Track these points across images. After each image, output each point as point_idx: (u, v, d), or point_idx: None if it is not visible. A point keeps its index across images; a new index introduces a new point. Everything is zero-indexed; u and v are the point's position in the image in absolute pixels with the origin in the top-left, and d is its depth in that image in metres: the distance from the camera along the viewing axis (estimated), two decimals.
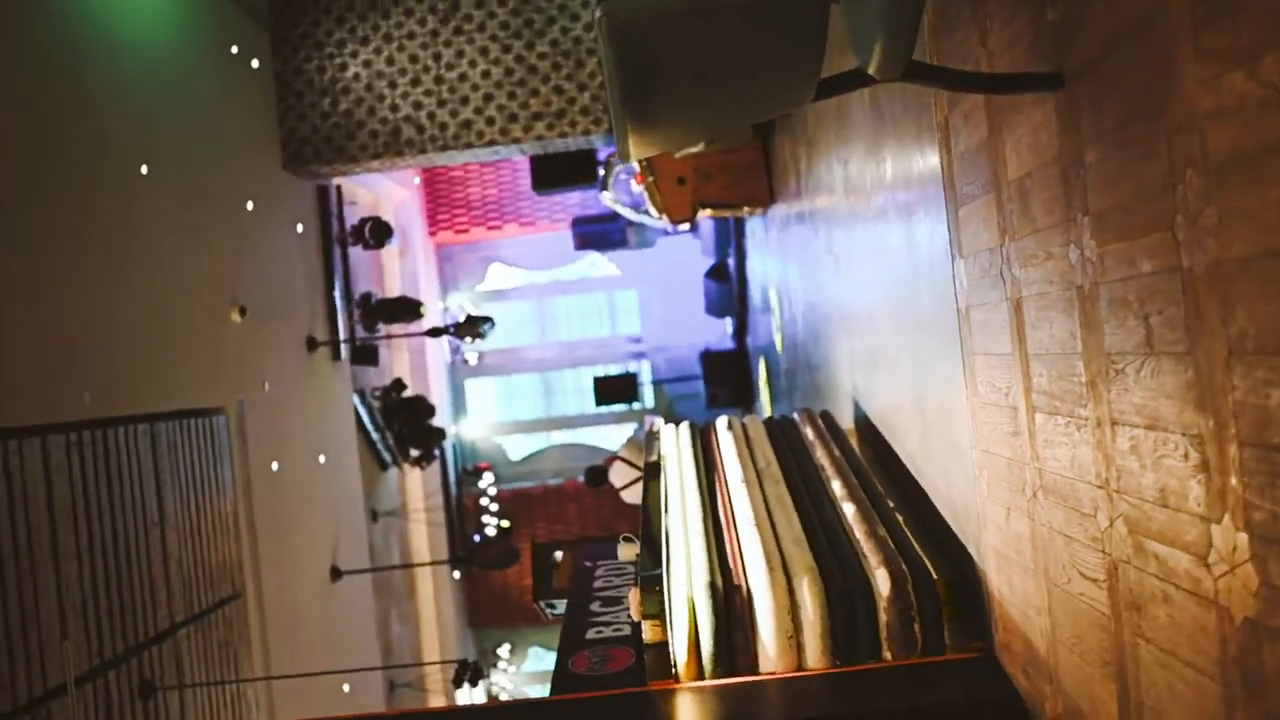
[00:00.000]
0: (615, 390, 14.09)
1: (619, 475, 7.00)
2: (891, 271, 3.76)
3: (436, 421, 12.78)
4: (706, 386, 13.36)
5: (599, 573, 4.00)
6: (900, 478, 3.83)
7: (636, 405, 14.68)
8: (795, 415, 5.02)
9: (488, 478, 14.83)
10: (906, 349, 3.64)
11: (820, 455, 4.19)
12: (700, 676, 2.97)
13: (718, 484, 4.01)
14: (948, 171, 2.82)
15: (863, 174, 4.23)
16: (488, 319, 10.51)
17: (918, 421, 3.57)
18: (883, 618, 2.98)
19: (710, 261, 13.10)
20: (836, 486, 3.77)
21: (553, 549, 5.03)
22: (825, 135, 5.54)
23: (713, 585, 3.03)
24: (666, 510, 3.82)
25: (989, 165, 2.45)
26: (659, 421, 5.39)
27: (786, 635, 2.97)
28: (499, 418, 16.54)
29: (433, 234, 15.56)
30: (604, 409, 14.61)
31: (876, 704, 2.75)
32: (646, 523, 3.80)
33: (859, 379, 4.88)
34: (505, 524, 14.49)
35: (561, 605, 4.33)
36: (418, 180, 15.01)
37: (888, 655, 2.95)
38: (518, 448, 16.23)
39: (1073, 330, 2.02)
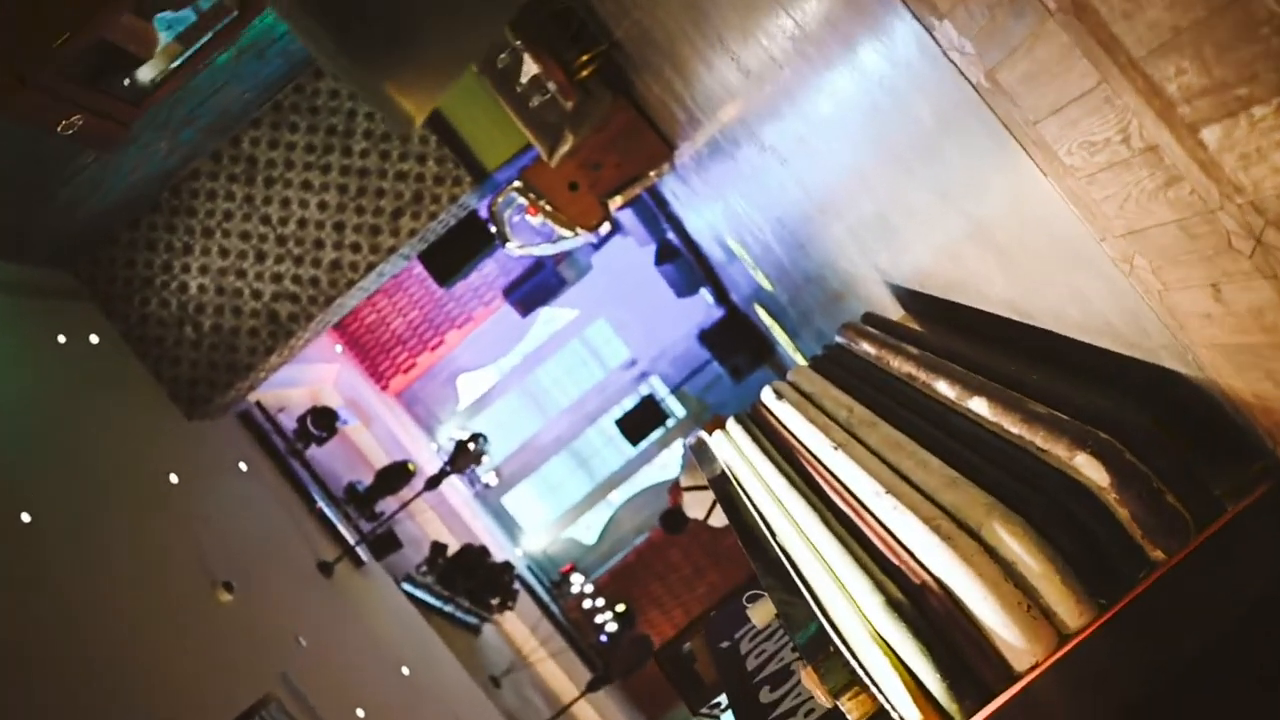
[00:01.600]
0: (641, 422, 13.28)
1: (695, 505, 6.22)
2: (855, 115, 2.97)
3: (497, 558, 11.97)
4: (722, 364, 12.54)
5: (744, 648, 3.18)
6: (1007, 336, 3.02)
7: (671, 422, 13.85)
8: (838, 338, 4.21)
9: (576, 578, 14.01)
10: (926, 185, 2.83)
11: (898, 364, 3.37)
12: None
13: (809, 468, 3.19)
14: None
15: (758, 44, 3.44)
16: (477, 436, 9.72)
17: (990, 257, 2.77)
18: (1121, 512, 2.16)
19: (652, 248, 12.32)
20: (943, 388, 2.95)
21: (678, 646, 4.21)
22: (683, 40, 4.77)
23: (891, 601, 2.23)
24: (771, 531, 3.01)
25: None
26: (700, 433, 4.61)
27: (1020, 608, 2.15)
28: (553, 514, 15.74)
29: (385, 387, 14.79)
30: (643, 445, 13.78)
31: (1205, 626, 1.94)
32: (758, 556, 2.99)
33: (879, 256, 4.08)
34: (620, 608, 13.66)
35: (724, 701, 3.50)
36: (339, 348, 14.25)
37: (1159, 555, 2.13)
38: (587, 531, 15.42)
39: None
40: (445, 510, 13.29)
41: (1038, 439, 2.36)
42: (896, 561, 2.34)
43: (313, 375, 12.59)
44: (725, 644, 3.27)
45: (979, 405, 2.69)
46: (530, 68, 5.92)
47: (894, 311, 4.34)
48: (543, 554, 15.16)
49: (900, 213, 3.33)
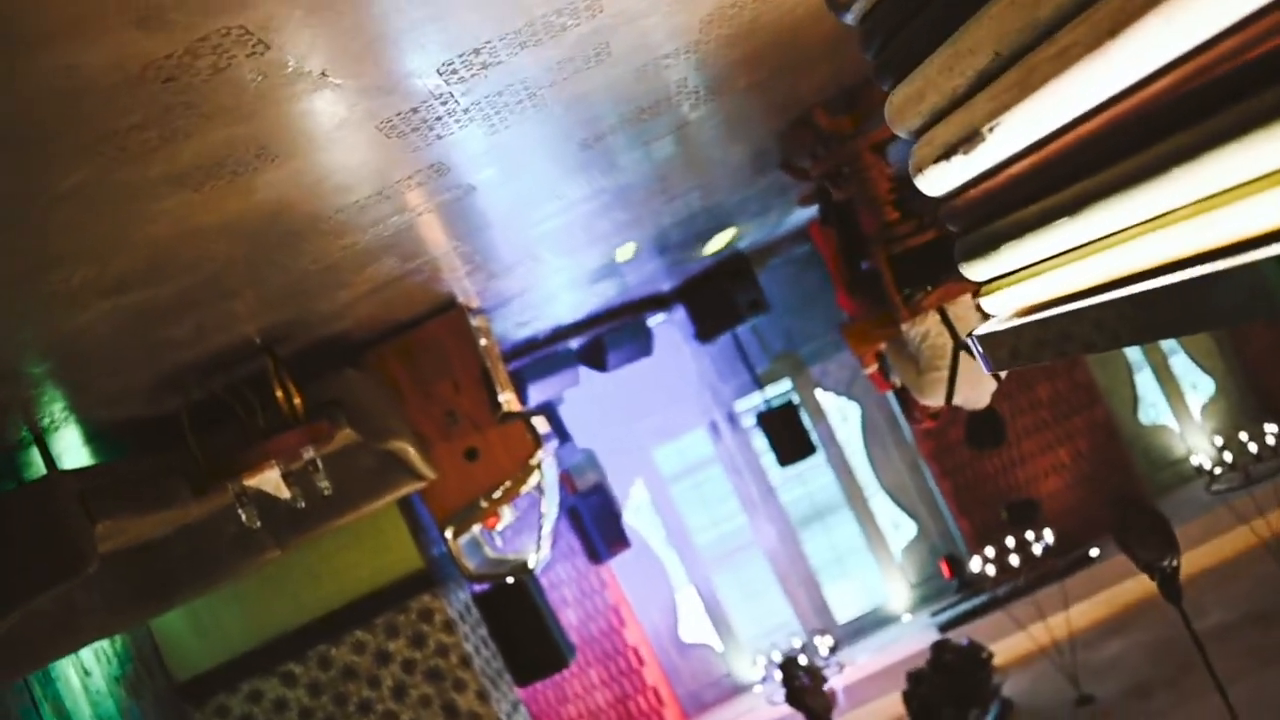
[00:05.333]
0: (786, 437, 11.62)
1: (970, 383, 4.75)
2: None
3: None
4: (741, 319, 10.94)
5: None
6: None
7: (813, 448, 11.81)
8: None
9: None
10: None
11: None
12: None
13: None
14: None
15: None
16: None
17: None
18: None
19: (577, 368, 10.77)
20: None
21: None
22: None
23: None
24: None
25: None
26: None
27: None
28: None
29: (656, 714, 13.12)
30: (802, 459, 11.88)
31: None
32: None
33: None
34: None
35: None
36: None
37: None
38: (854, 596, 13.59)
39: None
40: None
41: None
42: None
43: None
44: None
45: None
46: (268, 479, 4.46)
47: None
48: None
49: None
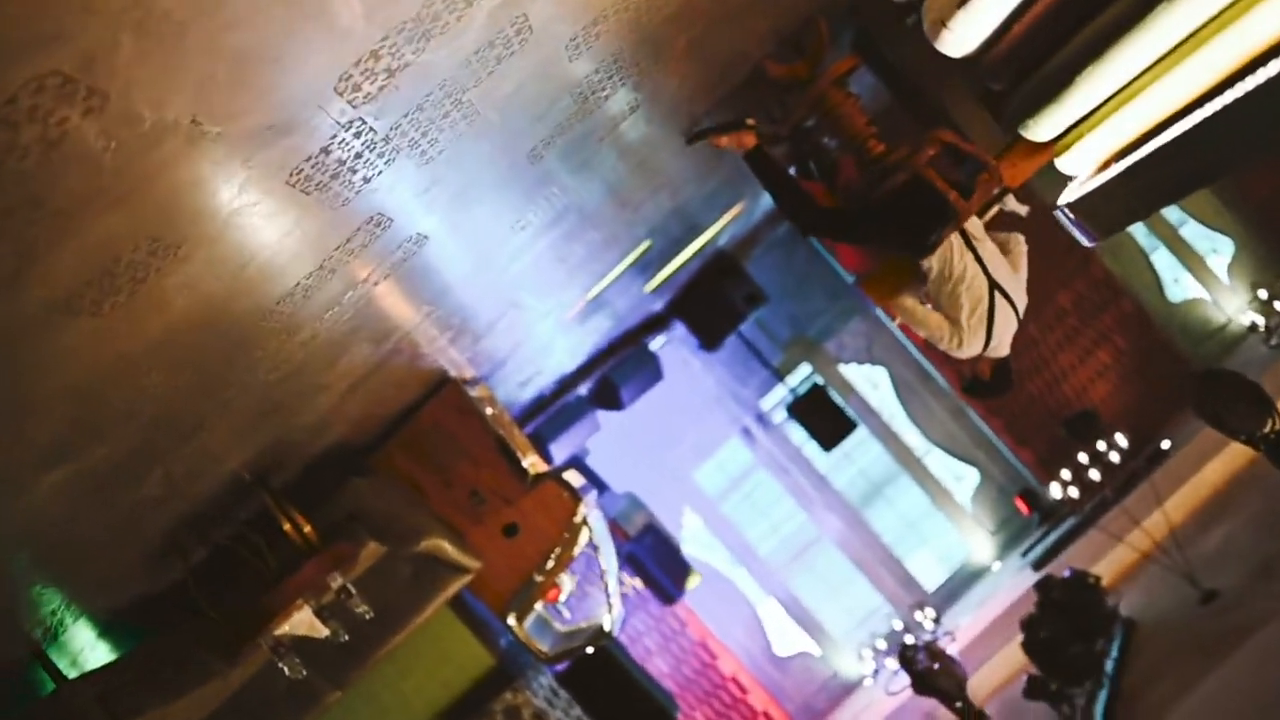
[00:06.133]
0: (822, 421, 11.10)
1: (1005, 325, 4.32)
2: None
3: None
4: (746, 313, 10.44)
5: None
6: None
7: (852, 424, 11.33)
8: None
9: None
10: None
11: None
12: None
13: None
14: None
15: None
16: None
17: None
18: None
19: (594, 413, 10.28)
20: None
21: None
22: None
23: None
24: None
25: None
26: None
27: None
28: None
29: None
30: (844, 438, 11.34)
31: None
32: None
33: None
34: None
35: None
36: None
37: None
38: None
39: None
40: None
41: None
42: None
43: None
44: None
45: None
46: (300, 621, 3.97)
47: None
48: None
49: None
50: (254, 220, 2.41)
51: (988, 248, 4.70)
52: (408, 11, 2.17)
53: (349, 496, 4.63)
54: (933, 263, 4.69)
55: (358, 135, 2.44)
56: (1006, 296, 4.69)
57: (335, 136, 2.37)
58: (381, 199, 2.88)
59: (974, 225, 4.68)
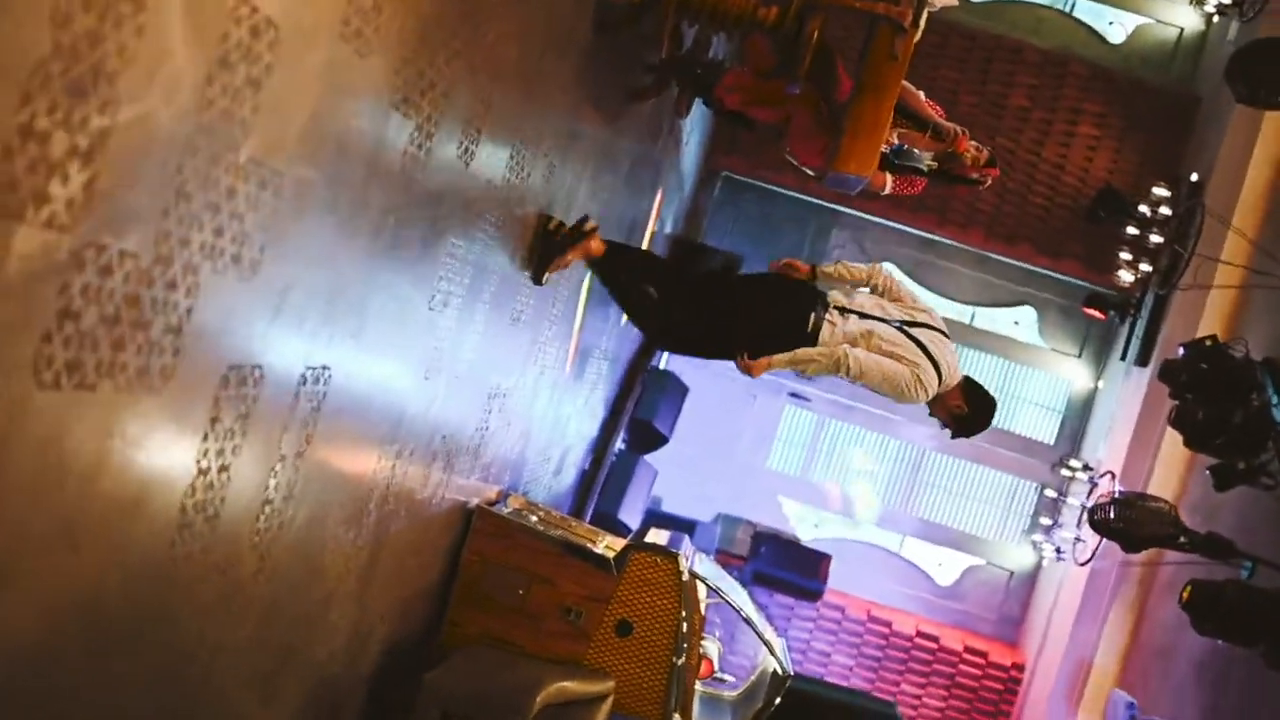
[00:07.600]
0: None
1: None
2: None
3: None
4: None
5: None
6: None
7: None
8: None
9: None
10: None
11: None
12: None
13: None
14: None
15: None
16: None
17: None
18: None
19: (622, 446, 9.44)
20: None
21: None
22: None
23: None
24: None
25: None
26: None
27: None
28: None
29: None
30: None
31: None
32: None
33: None
34: None
35: None
36: None
37: None
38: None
39: None
40: None
41: None
42: None
43: None
44: None
45: None
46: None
47: None
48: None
49: None
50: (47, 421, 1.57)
51: (863, 301, 4.55)
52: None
53: (430, 698, 3.77)
54: (830, 346, 4.41)
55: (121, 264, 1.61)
56: (915, 325, 4.50)
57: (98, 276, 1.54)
58: (222, 341, 2.05)
59: (834, 297, 4.53)
